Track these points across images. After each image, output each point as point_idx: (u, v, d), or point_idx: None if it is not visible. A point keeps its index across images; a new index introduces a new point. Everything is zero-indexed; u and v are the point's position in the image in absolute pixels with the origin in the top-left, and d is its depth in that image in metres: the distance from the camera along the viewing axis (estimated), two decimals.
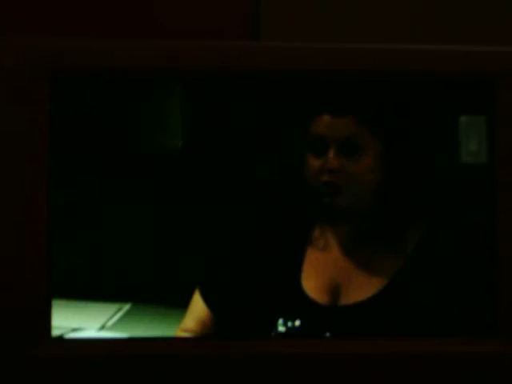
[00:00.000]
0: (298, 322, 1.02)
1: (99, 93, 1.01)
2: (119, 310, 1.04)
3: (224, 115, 1.03)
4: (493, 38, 1.28)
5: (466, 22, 1.30)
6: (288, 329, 1.02)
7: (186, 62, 0.97)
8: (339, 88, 1.02)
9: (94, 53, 0.97)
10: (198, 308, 1.05)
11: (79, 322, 1.02)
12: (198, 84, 1.01)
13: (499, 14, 1.32)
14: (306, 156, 1.03)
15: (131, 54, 0.97)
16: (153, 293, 1.04)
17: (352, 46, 1.00)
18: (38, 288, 0.95)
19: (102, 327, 1.04)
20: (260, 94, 1.02)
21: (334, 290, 1.03)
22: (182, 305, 1.05)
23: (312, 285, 1.04)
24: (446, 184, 1.03)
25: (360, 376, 0.98)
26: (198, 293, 1.05)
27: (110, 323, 1.04)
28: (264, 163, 1.04)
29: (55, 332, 0.98)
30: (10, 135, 0.95)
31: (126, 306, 1.05)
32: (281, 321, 1.02)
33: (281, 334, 1.02)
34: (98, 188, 1.03)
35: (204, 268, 1.05)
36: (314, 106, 1.02)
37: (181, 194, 1.04)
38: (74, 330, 1.01)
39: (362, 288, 1.03)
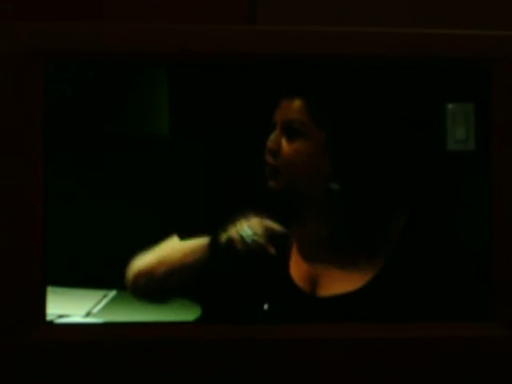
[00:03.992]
0: (265, 307, 1.02)
1: (90, 77, 1.01)
2: (104, 296, 1.04)
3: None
4: (489, 21, 1.26)
5: (461, 5, 1.29)
6: (263, 312, 1.02)
7: (180, 45, 0.97)
8: (294, 72, 1.01)
9: (89, 37, 0.97)
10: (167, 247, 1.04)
11: (65, 308, 1.02)
12: (187, 68, 1.01)
13: None
14: None
15: (127, 37, 0.97)
16: None
17: (347, 29, 0.99)
18: (33, 273, 0.96)
19: (88, 314, 1.04)
20: (235, 80, 1.02)
21: (315, 280, 1.03)
22: None
23: (298, 272, 1.04)
24: (432, 172, 1.03)
25: (354, 361, 0.98)
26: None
27: (96, 310, 1.04)
28: (243, 153, 1.03)
29: None
30: (5, 120, 0.95)
31: (112, 293, 1.05)
32: (266, 306, 1.02)
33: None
34: (84, 174, 1.03)
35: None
36: (272, 90, 1.03)
37: (166, 181, 1.04)
38: (61, 316, 1.02)
39: (345, 281, 1.02)
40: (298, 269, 1.04)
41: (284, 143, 1.02)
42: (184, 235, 1.03)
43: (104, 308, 1.04)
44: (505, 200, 0.98)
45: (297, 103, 1.01)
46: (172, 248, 1.03)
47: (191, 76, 1.02)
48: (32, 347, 0.96)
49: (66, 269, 1.02)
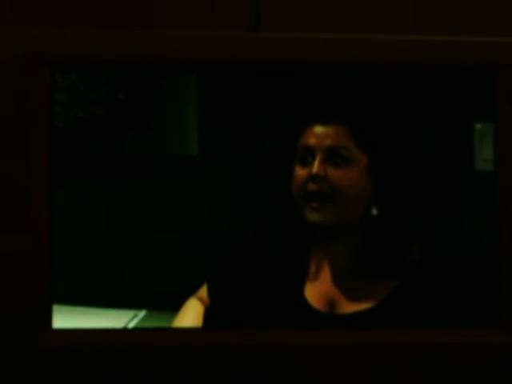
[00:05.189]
0: None
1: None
2: (134, 316, 1.04)
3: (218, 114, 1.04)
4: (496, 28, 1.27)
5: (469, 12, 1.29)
6: None
7: (185, 53, 0.97)
8: (330, 97, 1.01)
9: (94, 43, 0.96)
10: None
11: None
12: (197, 75, 1.01)
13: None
14: (294, 169, 1.02)
15: (130, 44, 0.97)
16: (168, 300, 1.04)
17: (352, 36, 0.99)
18: (39, 279, 0.95)
19: None
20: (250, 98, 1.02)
21: (334, 300, 1.03)
22: None
23: (314, 293, 1.03)
24: (458, 190, 1.03)
25: (360, 367, 0.98)
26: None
27: None
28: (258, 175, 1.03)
29: None
30: (10, 127, 0.95)
31: (142, 313, 1.05)
32: None
33: None
34: (110, 192, 1.03)
35: (210, 273, 1.05)
36: (304, 115, 1.01)
37: (189, 200, 1.04)
38: None
39: (362, 299, 1.02)
40: (314, 292, 1.04)
41: (331, 170, 0.99)
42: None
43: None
44: (510, 210, 0.99)
45: (337, 128, 1.00)
46: (198, 316, 1.05)
47: (221, 93, 1.02)
48: (38, 352, 0.96)
49: (96, 289, 1.02)
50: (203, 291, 1.05)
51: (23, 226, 0.95)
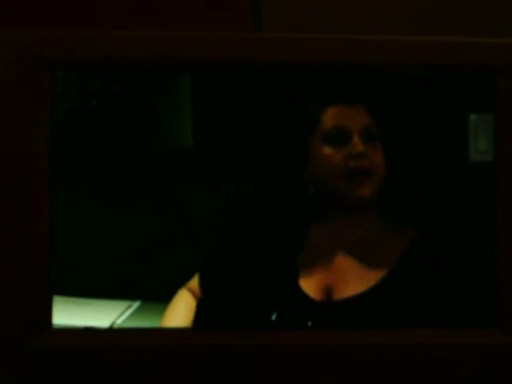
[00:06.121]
0: (273, 317, 1.02)
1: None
2: (128, 307, 1.04)
3: (224, 110, 1.04)
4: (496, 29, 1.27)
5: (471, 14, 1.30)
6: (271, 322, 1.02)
7: (185, 53, 0.97)
8: (347, 78, 1.02)
9: (95, 44, 0.97)
10: None
11: (89, 320, 1.02)
12: (197, 76, 1.02)
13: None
14: (315, 148, 1.03)
15: (132, 45, 0.97)
16: (162, 290, 1.04)
17: (353, 37, 0.99)
18: (39, 280, 0.95)
19: (112, 325, 1.04)
20: (261, 88, 1.02)
21: (330, 286, 1.03)
22: None
23: (309, 282, 1.04)
24: (452, 181, 1.04)
25: (360, 367, 0.98)
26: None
27: (120, 321, 1.04)
28: (266, 161, 1.04)
29: None
30: (13, 128, 0.95)
31: (136, 304, 1.05)
32: (274, 315, 1.02)
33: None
34: (105, 186, 1.03)
35: (204, 261, 1.05)
36: (324, 98, 1.03)
37: (182, 191, 1.04)
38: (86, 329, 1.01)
39: (358, 283, 1.02)
40: (309, 280, 1.04)
41: (369, 148, 1.02)
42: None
43: (128, 319, 1.04)
44: (509, 210, 0.99)
45: (362, 108, 1.03)
46: (189, 307, 1.05)
47: (217, 87, 1.02)
48: (38, 352, 0.96)
49: (89, 280, 1.02)
50: (194, 282, 1.05)
51: (24, 227, 0.95)
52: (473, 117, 1.02)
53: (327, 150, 1.03)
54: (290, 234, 1.05)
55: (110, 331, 1.01)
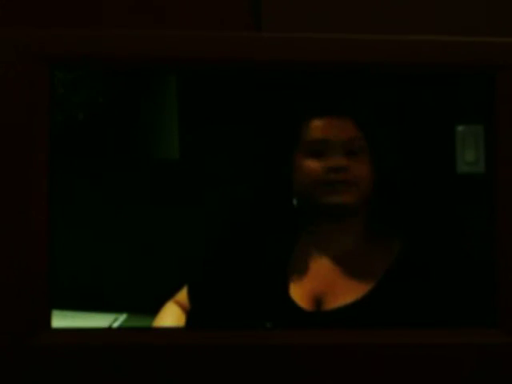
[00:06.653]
0: (268, 325, 1.02)
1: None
2: (115, 320, 1.05)
3: (219, 111, 1.04)
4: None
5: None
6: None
7: (186, 52, 0.97)
8: (335, 90, 1.02)
9: (95, 43, 0.97)
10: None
11: None
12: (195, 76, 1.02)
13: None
14: (298, 160, 1.03)
15: (132, 44, 0.97)
16: (149, 302, 1.04)
17: (353, 37, 0.98)
18: (39, 279, 0.95)
19: None
20: (246, 100, 1.02)
21: (320, 296, 1.03)
22: None
23: (299, 292, 1.04)
24: (439, 192, 1.03)
25: (359, 367, 0.97)
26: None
27: None
28: (253, 168, 1.04)
29: None
30: (11, 125, 0.95)
31: (122, 316, 1.05)
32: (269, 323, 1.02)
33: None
34: (93, 197, 1.03)
35: (192, 271, 1.05)
36: (310, 108, 1.02)
37: (173, 199, 1.04)
38: None
39: (347, 293, 1.02)
40: (298, 290, 1.04)
41: (350, 161, 1.01)
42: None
43: None
44: (508, 210, 0.98)
45: (349, 121, 1.02)
46: (176, 320, 1.05)
47: (205, 94, 1.02)
48: (38, 352, 0.96)
49: (77, 293, 1.02)
50: (181, 295, 1.05)
51: (23, 227, 0.95)
52: (460, 128, 1.01)
53: (310, 162, 1.02)
54: (279, 245, 1.05)
55: (110, 331, 1.01)
